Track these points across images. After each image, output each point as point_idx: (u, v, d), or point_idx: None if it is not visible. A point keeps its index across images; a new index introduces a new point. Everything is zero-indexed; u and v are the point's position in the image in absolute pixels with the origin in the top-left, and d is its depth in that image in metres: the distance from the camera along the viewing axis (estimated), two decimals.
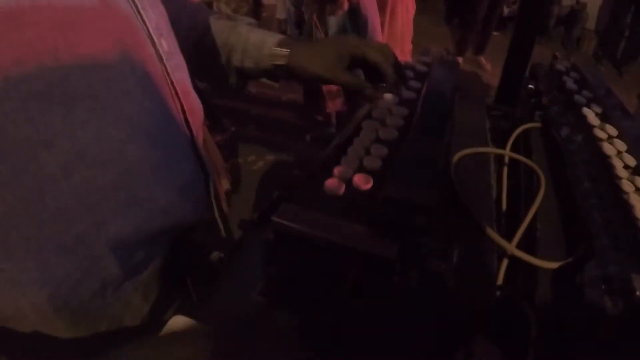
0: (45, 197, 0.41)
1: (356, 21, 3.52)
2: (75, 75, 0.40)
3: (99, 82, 0.42)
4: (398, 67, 0.72)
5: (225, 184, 0.76)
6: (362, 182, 0.50)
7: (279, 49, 0.72)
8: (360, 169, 0.53)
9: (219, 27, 0.75)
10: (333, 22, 3.31)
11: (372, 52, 0.69)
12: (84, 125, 0.42)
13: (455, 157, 0.69)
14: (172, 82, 0.52)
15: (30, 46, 0.37)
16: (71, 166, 0.42)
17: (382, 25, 3.57)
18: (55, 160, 0.41)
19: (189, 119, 0.55)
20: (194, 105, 0.58)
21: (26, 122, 0.38)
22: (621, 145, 0.66)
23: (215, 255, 0.56)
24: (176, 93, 0.53)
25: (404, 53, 4.21)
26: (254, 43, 0.73)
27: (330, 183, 0.49)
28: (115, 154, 0.45)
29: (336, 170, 0.52)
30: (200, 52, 0.74)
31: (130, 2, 0.47)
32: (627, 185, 0.57)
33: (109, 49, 0.43)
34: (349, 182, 0.51)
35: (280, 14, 4.26)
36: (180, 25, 0.67)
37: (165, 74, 0.51)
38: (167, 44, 0.52)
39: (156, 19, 0.51)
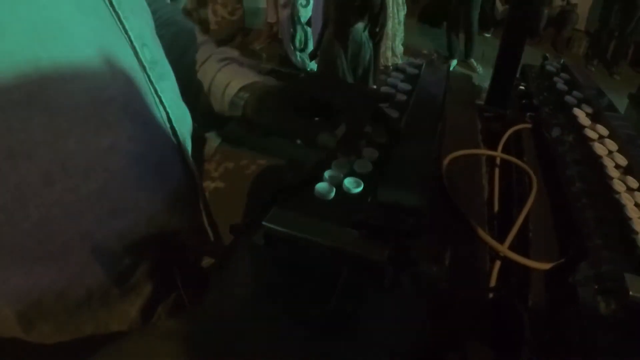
0: (29, 207, 0.41)
1: (374, 34, 3.51)
2: (56, 84, 0.40)
3: (80, 91, 0.42)
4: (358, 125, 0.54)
5: None
6: (353, 185, 0.50)
7: (237, 97, 0.62)
8: (351, 172, 0.53)
9: (197, 57, 0.68)
10: (354, 34, 3.29)
11: (338, 98, 0.54)
12: (65, 134, 0.41)
13: (447, 159, 0.69)
14: (155, 91, 0.52)
15: (11, 56, 0.37)
16: (53, 176, 0.41)
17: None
18: (37, 170, 0.40)
19: (176, 127, 0.55)
20: (181, 114, 0.57)
21: (6, 132, 0.38)
22: (612, 145, 0.66)
23: (205, 261, 0.55)
24: (161, 102, 0.53)
25: (395, 55, 4.22)
26: (217, 85, 0.65)
27: (321, 187, 0.49)
28: (98, 163, 0.45)
29: (327, 174, 0.51)
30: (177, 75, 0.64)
31: (112, 10, 0.47)
32: (618, 185, 0.57)
33: (90, 58, 0.43)
34: (339, 185, 0.50)
35: (271, 17, 4.27)
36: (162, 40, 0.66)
37: (149, 82, 0.51)
38: (151, 52, 0.52)
39: (139, 28, 0.50)
